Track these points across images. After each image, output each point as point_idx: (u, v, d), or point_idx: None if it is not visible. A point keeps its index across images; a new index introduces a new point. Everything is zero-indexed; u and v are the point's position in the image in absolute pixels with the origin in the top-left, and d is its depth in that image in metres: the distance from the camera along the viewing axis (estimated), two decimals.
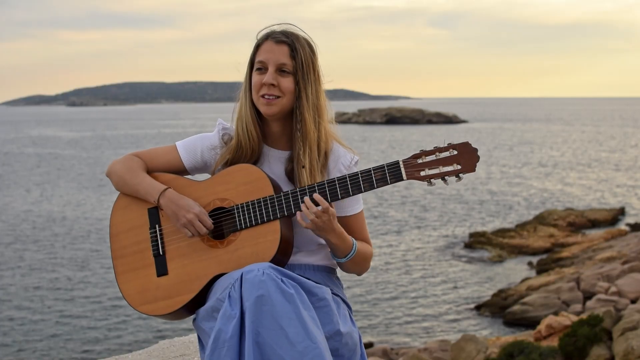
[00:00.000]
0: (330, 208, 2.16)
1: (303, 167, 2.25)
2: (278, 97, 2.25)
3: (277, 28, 2.30)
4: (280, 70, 2.24)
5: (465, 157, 2.11)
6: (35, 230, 29.59)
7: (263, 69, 2.25)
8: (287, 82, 2.25)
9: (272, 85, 2.24)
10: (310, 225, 2.16)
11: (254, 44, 2.31)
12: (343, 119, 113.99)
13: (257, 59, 2.26)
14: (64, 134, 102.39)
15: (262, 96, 2.25)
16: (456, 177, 2.13)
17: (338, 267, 2.43)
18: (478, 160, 2.11)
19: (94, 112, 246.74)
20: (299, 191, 2.19)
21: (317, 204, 2.16)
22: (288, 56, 2.24)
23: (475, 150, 2.11)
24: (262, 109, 2.26)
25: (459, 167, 2.11)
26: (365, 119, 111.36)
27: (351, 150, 2.37)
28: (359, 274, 2.38)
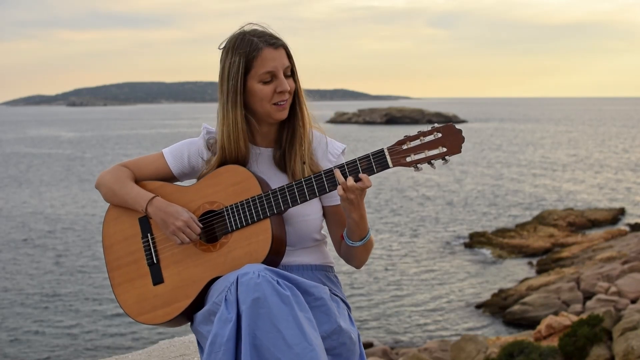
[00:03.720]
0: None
1: (304, 163, 2.25)
2: (287, 98, 2.25)
3: (253, 31, 2.23)
4: (285, 74, 2.24)
5: (450, 139, 2.09)
6: (36, 231, 29.59)
7: (273, 79, 2.22)
8: (292, 83, 2.26)
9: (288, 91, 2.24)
10: (343, 196, 2.13)
11: (239, 52, 2.20)
12: (343, 119, 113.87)
13: (263, 70, 2.20)
14: (65, 134, 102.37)
15: (276, 103, 2.23)
16: (442, 160, 2.11)
17: (335, 266, 2.42)
18: (463, 141, 2.08)
19: (94, 112, 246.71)
20: (287, 188, 2.18)
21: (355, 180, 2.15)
22: (287, 57, 2.24)
23: (460, 131, 2.09)
24: (277, 115, 2.24)
25: (445, 149, 2.10)
26: (365, 119, 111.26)
27: (325, 134, 2.37)
28: (361, 265, 2.37)
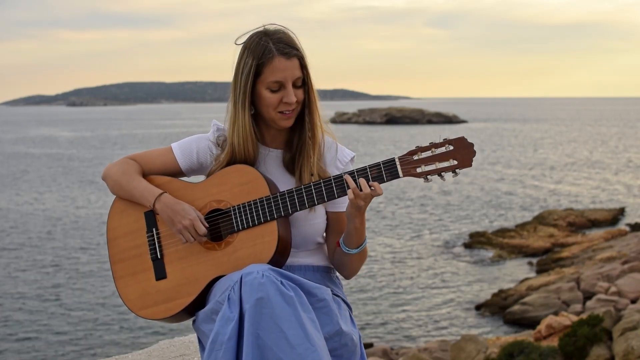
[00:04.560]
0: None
1: (312, 174, 2.25)
2: (294, 109, 2.24)
3: (272, 33, 2.22)
4: (294, 84, 2.22)
5: (462, 152, 2.10)
6: (36, 232, 29.59)
7: (280, 88, 2.21)
8: (301, 93, 2.25)
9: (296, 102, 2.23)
10: (354, 202, 2.14)
11: (253, 54, 2.19)
12: (343, 119, 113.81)
13: (272, 78, 2.18)
14: (65, 134, 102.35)
15: (282, 112, 2.23)
16: (453, 172, 2.12)
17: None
18: (474, 155, 2.10)
19: (94, 112, 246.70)
20: (295, 191, 2.19)
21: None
22: (299, 68, 2.21)
23: (472, 145, 2.10)
24: (281, 123, 2.24)
25: (455, 162, 2.11)
26: (365, 119, 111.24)
27: (336, 140, 2.37)
28: (352, 274, 2.37)
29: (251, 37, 2.23)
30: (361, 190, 2.14)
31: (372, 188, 2.13)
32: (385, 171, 2.14)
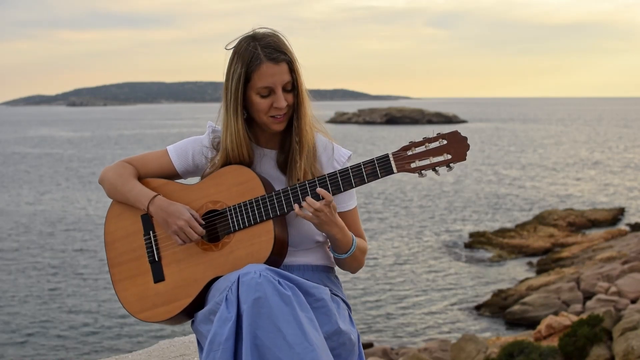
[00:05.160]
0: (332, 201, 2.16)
1: (298, 180, 2.23)
2: (285, 112, 2.24)
3: (261, 38, 2.21)
4: (284, 89, 2.22)
5: (455, 146, 2.09)
6: (37, 232, 29.58)
7: (270, 93, 2.20)
8: (291, 97, 2.24)
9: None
10: (313, 218, 2.15)
11: (242, 59, 2.19)
12: (343, 119, 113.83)
13: (261, 84, 2.18)
14: (65, 134, 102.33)
15: (272, 116, 2.23)
16: (447, 167, 2.11)
17: (336, 266, 2.42)
18: (468, 149, 2.09)
19: (94, 112, 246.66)
20: (290, 190, 2.18)
21: (318, 198, 2.15)
22: (288, 72, 2.21)
23: (465, 138, 2.09)
24: (273, 127, 2.24)
25: (450, 156, 2.10)
26: (365, 119, 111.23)
27: (332, 140, 2.37)
28: (355, 271, 2.38)
29: (240, 42, 2.23)
30: (317, 207, 2.13)
31: (322, 198, 2.13)
32: (379, 167, 2.13)
